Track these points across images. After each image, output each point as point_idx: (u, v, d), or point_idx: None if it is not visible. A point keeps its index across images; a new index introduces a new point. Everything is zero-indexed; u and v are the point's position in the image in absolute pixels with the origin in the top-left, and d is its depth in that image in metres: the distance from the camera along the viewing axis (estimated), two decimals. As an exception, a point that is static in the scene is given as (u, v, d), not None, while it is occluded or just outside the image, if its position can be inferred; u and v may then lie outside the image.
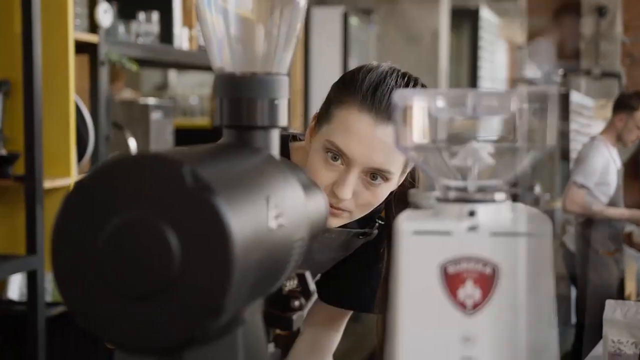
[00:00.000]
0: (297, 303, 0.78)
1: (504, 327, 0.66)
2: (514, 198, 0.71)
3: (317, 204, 0.84)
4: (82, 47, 2.63)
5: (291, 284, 0.81)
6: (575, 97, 6.90)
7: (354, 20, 5.22)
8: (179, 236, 0.60)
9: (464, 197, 0.69)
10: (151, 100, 3.14)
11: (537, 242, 0.66)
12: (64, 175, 2.50)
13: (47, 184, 2.42)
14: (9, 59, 2.46)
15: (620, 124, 4.23)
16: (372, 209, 1.27)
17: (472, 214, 0.68)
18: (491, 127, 0.72)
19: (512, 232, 0.67)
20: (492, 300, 0.66)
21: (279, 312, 0.77)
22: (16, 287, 2.66)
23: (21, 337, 2.38)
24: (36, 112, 2.37)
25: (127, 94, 4.17)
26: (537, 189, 6.04)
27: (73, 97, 2.51)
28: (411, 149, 0.71)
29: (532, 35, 10.01)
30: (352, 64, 5.69)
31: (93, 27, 2.65)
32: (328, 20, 5.14)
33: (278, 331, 0.79)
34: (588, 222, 4.25)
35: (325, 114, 1.25)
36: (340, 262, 1.43)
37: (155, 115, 3.04)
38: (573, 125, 6.63)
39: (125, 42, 2.89)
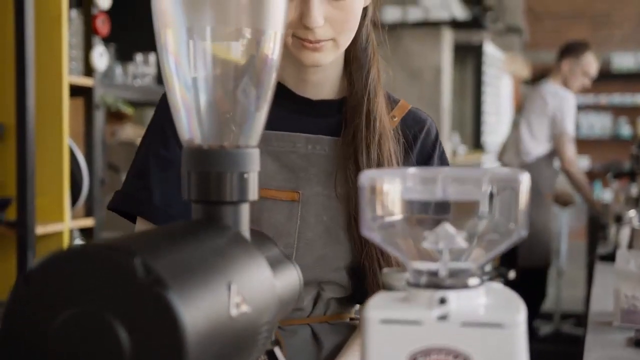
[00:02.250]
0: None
1: None
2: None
3: (288, 279, 0.81)
4: (77, 91, 2.62)
5: (260, 364, 0.78)
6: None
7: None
8: (130, 331, 0.57)
9: (435, 283, 0.66)
10: (149, 141, 3.11)
11: (510, 333, 0.63)
12: (58, 220, 2.47)
13: (40, 229, 2.39)
14: (3, 103, 2.45)
15: (566, 69, 4.40)
16: (354, 28, 1.17)
17: (443, 301, 0.65)
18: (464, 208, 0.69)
19: (485, 322, 0.63)
20: (461, 397, 0.62)
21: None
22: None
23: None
24: (29, 157, 2.35)
25: (129, 130, 4.16)
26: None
27: (67, 141, 2.49)
28: (379, 231, 0.68)
29: (536, 69, 10.08)
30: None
31: (89, 70, 2.64)
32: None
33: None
34: (536, 163, 4.37)
35: None
36: None
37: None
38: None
39: (122, 84, 2.88)
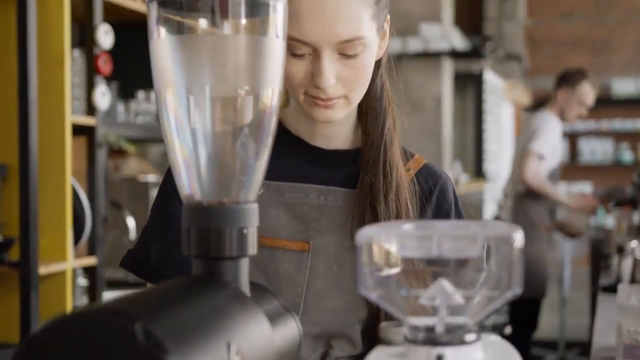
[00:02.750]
0: None
1: None
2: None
3: (288, 332, 0.82)
4: (80, 129, 2.64)
5: None
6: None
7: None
8: (131, 396, 0.58)
9: (432, 339, 0.67)
10: (151, 178, 3.14)
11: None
12: (60, 260, 2.48)
13: (43, 269, 2.40)
14: (5, 143, 2.47)
15: (562, 99, 4.37)
16: (366, 84, 1.16)
17: (440, 358, 0.66)
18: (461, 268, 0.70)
19: (481, 379, 0.64)
20: None
21: None
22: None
23: None
24: (32, 197, 2.36)
25: (133, 164, 4.18)
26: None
27: (69, 180, 2.51)
28: (375, 288, 0.69)
29: (537, 96, 10.12)
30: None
31: (91, 109, 2.66)
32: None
33: None
34: (528, 194, 4.31)
35: None
36: None
37: (155, 192, 3.04)
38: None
39: (124, 122, 2.90)
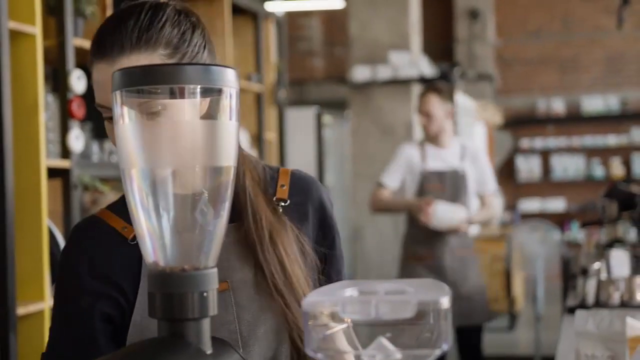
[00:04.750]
0: None
1: None
2: None
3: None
4: (55, 172, 2.70)
5: None
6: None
7: (327, 119, 5.34)
8: None
9: (372, 393, 0.75)
10: (126, 213, 3.19)
11: None
12: (38, 300, 2.54)
13: (21, 310, 2.46)
14: (-18, 187, 2.52)
15: None
16: None
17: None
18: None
19: None
20: None
21: None
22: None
23: None
24: (8, 239, 2.42)
25: (110, 197, 4.23)
26: None
27: (46, 222, 2.57)
28: (320, 349, 0.77)
29: (509, 115, 10.30)
30: (328, 160, 5.81)
31: (65, 152, 2.73)
32: (302, 120, 5.27)
33: None
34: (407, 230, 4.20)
35: None
36: None
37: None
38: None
39: (98, 162, 2.97)
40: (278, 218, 1.28)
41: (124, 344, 1.21)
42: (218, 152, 0.86)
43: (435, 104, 4.01)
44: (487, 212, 4.18)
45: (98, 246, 1.25)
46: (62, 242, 2.65)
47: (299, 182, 1.34)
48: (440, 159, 4.09)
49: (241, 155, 1.30)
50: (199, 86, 0.84)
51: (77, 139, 2.71)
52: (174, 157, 0.85)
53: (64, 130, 2.71)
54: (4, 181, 2.42)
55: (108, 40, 1.16)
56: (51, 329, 1.26)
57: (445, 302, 0.74)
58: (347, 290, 0.78)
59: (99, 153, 3.01)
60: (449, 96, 4.06)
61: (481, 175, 4.10)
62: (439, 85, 4.15)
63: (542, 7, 10.49)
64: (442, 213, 3.93)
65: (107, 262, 1.23)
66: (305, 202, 1.33)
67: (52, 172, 2.68)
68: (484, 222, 4.11)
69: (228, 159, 0.86)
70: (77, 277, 1.23)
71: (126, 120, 0.85)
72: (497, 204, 4.17)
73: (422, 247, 4.07)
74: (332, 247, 1.35)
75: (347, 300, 0.76)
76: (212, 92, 0.85)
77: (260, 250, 1.24)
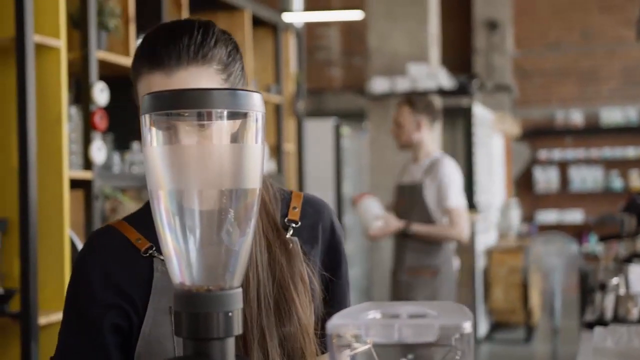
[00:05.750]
0: None
1: None
2: None
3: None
4: (77, 183, 2.74)
5: None
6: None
7: (345, 130, 5.36)
8: None
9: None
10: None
11: None
12: (59, 309, 2.56)
13: (43, 320, 2.49)
14: (6, 198, 2.56)
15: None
16: None
17: None
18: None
19: None
20: None
21: None
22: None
23: None
24: (31, 250, 2.46)
25: (130, 206, 4.26)
26: None
27: (68, 232, 2.60)
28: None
29: (527, 126, 10.27)
30: (346, 171, 5.83)
31: (88, 163, 2.77)
32: (321, 131, 5.29)
33: None
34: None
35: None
36: None
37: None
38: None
39: (120, 173, 3.00)
40: (280, 238, 1.28)
41: (131, 354, 1.23)
42: (244, 175, 0.88)
43: (405, 114, 4.04)
44: (441, 228, 3.96)
45: (111, 256, 1.26)
46: (83, 253, 2.68)
47: (311, 206, 1.35)
48: (409, 174, 4.12)
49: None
50: (226, 110, 0.86)
51: (99, 150, 2.75)
52: (201, 179, 0.87)
53: (87, 142, 2.75)
54: (28, 192, 2.46)
55: (164, 52, 1.18)
56: (61, 334, 1.27)
57: (467, 326, 0.76)
58: (370, 313, 0.80)
59: (120, 164, 3.04)
60: (422, 109, 4.05)
61: (440, 190, 3.96)
62: (413, 97, 4.18)
63: (561, 19, 10.47)
64: (364, 208, 3.99)
65: (119, 272, 1.24)
66: (316, 225, 1.34)
67: (74, 183, 2.72)
68: (434, 237, 3.95)
69: (254, 182, 0.88)
70: (89, 284, 1.24)
71: (154, 143, 0.87)
72: (462, 222, 3.97)
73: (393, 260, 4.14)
74: (338, 274, 1.34)
75: (370, 323, 0.78)
76: (239, 116, 0.87)
77: (255, 268, 1.24)
